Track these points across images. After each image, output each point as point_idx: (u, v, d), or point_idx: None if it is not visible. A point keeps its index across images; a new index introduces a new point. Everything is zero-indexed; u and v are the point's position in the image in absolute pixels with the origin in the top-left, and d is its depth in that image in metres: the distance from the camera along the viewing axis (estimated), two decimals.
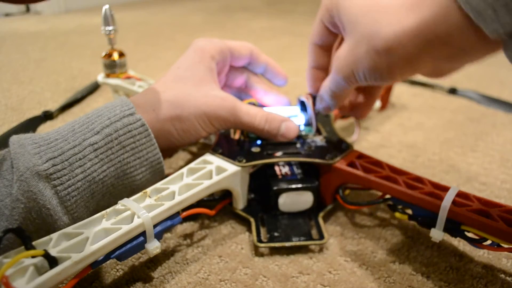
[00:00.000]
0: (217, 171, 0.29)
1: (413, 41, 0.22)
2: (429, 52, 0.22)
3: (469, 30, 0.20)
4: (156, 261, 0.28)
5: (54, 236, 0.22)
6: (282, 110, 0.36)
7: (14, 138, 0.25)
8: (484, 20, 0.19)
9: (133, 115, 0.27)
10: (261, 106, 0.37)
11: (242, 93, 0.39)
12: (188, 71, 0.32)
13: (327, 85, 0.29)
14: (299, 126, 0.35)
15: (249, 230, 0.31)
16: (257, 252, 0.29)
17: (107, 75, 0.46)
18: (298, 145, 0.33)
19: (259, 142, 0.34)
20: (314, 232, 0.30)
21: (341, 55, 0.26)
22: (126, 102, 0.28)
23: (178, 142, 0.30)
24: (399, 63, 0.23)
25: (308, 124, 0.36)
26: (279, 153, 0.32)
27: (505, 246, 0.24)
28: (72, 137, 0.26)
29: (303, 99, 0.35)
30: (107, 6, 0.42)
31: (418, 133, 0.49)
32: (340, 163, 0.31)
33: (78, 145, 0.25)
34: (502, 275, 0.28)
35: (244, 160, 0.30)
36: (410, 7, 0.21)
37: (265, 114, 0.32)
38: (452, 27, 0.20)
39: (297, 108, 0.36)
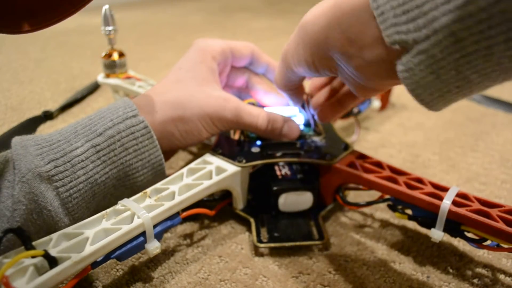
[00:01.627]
0: (217, 172, 0.29)
1: (320, 20, 0.22)
2: (332, 39, 0.22)
3: (370, 29, 0.20)
4: (156, 261, 0.28)
5: (54, 236, 0.22)
6: (281, 110, 0.36)
7: (16, 139, 0.25)
8: (384, 21, 0.18)
9: (136, 117, 0.27)
10: (261, 106, 0.37)
11: (243, 93, 0.39)
12: (190, 72, 0.32)
13: (276, 75, 0.31)
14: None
15: (249, 230, 0.31)
16: (257, 252, 0.29)
17: (107, 75, 0.46)
18: (298, 145, 0.33)
19: (259, 142, 0.34)
20: (314, 232, 0.30)
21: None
22: (129, 104, 0.28)
23: (180, 144, 0.30)
24: (310, 44, 0.24)
25: (307, 124, 0.36)
26: (279, 154, 0.32)
27: (505, 246, 0.24)
28: (75, 139, 0.26)
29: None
30: (107, 6, 0.42)
31: (418, 133, 0.49)
32: (340, 163, 0.31)
33: (80, 146, 0.25)
34: (502, 275, 0.28)
35: (244, 161, 0.30)
36: None
37: (268, 114, 0.32)
38: (355, 18, 0.20)
39: (296, 108, 0.36)
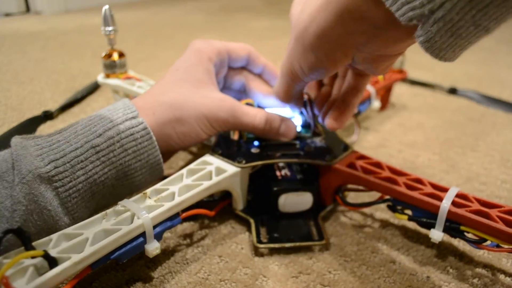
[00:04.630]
0: (217, 172, 0.29)
1: (322, 14, 0.22)
2: (340, 25, 0.22)
3: (379, 10, 0.20)
4: (156, 261, 0.28)
5: (54, 236, 0.22)
6: (279, 111, 0.36)
7: (16, 139, 0.25)
8: (394, 3, 0.19)
9: (135, 118, 0.27)
10: (258, 107, 0.37)
11: (240, 94, 0.39)
12: (186, 73, 0.32)
13: (277, 89, 0.31)
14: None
15: (249, 230, 0.31)
16: (257, 252, 0.29)
17: (107, 76, 0.46)
18: (298, 146, 0.33)
19: (256, 143, 0.34)
20: (313, 233, 0.30)
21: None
22: (129, 105, 0.28)
23: (178, 146, 0.30)
24: (317, 42, 0.23)
25: (305, 125, 0.36)
26: (278, 154, 0.32)
27: (505, 246, 0.25)
28: (75, 139, 0.26)
29: (305, 99, 0.35)
30: (107, 7, 0.42)
31: (418, 133, 0.49)
32: (340, 164, 0.31)
33: (80, 147, 0.25)
34: (502, 275, 0.28)
35: (244, 161, 0.30)
36: None
37: (265, 114, 0.32)
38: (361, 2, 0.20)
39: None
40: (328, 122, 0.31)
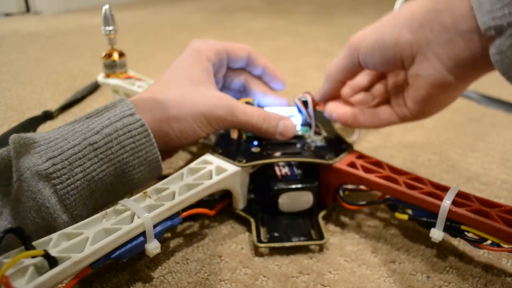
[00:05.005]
0: (217, 171, 0.29)
1: (419, 9, 0.25)
2: (432, 21, 0.24)
3: (467, 18, 0.22)
4: (156, 261, 0.28)
5: (54, 236, 0.22)
6: (279, 110, 0.36)
7: (14, 137, 0.25)
8: (481, 10, 0.20)
9: (133, 115, 0.27)
10: (258, 106, 0.37)
11: (241, 94, 0.39)
12: (185, 72, 0.32)
13: (335, 61, 0.32)
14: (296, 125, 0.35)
15: (249, 230, 0.31)
16: (257, 252, 0.29)
17: (107, 75, 0.46)
18: (298, 145, 0.33)
19: (255, 142, 0.34)
20: (314, 232, 0.30)
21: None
22: (126, 103, 0.28)
23: (176, 144, 0.30)
24: (406, 32, 0.26)
25: (305, 124, 0.36)
26: (279, 153, 0.32)
27: (505, 246, 0.24)
28: (72, 137, 0.26)
29: (306, 98, 0.35)
30: (107, 6, 0.42)
31: (418, 133, 0.49)
32: (340, 163, 0.31)
33: (78, 144, 0.25)
34: (502, 275, 0.28)
35: (244, 160, 0.30)
36: None
37: (263, 113, 0.33)
38: (453, 9, 0.23)
39: (294, 109, 0.36)
40: (342, 117, 0.33)
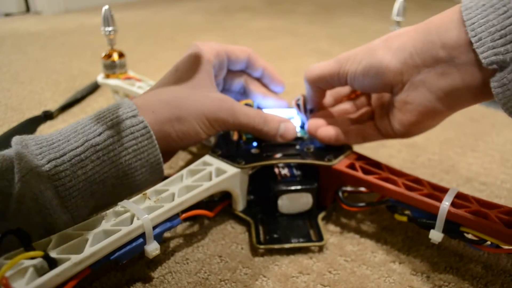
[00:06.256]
0: (217, 173, 0.29)
1: (411, 39, 0.25)
2: (423, 53, 0.25)
3: (464, 52, 0.23)
4: (156, 261, 0.28)
5: (54, 237, 0.22)
6: (279, 112, 0.36)
7: (16, 139, 0.25)
8: (482, 45, 0.21)
9: (135, 116, 0.27)
10: (258, 108, 0.37)
11: (241, 96, 0.39)
12: (186, 74, 0.32)
13: (318, 65, 0.33)
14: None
15: (249, 230, 0.31)
16: (257, 252, 0.29)
17: (107, 76, 0.46)
18: (298, 147, 0.33)
19: (255, 143, 0.34)
20: (313, 234, 0.30)
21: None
22: (129, 104, 0.28)
23: (177, 145, 0.30)
24: (396, 61, 0.26)
25: (303, 126, 0.36)
26: (278, 155, 0.32)
27: (505, 247, 0.24)
28: (74, 138, 0.26)
29: (300, 100, 0.35)
30: (106, 7, 0.42)
31: None
32: (339, 165, 0.31)
33: (80, 146, 0.25)
34: (502, 275, 0.28)
35: (244, 162, 0.30)
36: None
37: (264, 115, 0.33)
38: (446, 42, 0.23)
39: (294, 111, 0.36)
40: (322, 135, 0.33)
